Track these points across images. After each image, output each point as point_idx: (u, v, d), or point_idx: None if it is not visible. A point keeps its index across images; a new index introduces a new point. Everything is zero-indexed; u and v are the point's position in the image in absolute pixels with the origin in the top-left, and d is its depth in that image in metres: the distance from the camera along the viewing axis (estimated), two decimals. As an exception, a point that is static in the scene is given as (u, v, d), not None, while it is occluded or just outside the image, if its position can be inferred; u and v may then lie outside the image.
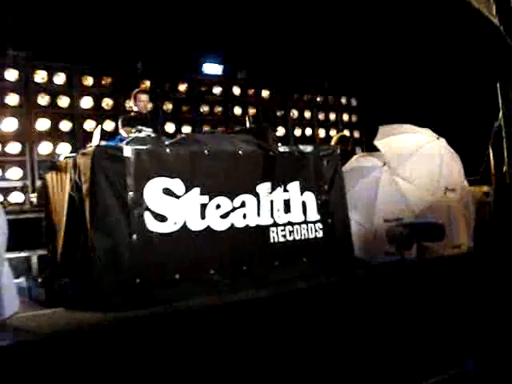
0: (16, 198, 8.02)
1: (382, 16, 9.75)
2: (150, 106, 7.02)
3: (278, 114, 11.05)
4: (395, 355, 4.75)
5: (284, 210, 6.04)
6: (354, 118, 12.32)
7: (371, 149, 8.08)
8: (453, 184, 7.52)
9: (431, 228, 6.73)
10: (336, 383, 4.55)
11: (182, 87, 9.92)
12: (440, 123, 8.38)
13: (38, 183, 7.82)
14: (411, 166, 7.39)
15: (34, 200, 7.95)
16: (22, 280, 6.23)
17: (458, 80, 9.99)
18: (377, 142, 7.77)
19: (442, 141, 7.82)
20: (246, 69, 10.66)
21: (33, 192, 8.04)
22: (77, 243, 5.21)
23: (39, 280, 6.03)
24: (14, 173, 8.09)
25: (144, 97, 7.19)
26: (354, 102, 12.34)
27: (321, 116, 11.70)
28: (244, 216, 5.73)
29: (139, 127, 6.44)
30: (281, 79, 10.99)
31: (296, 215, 6.12)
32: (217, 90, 10.35)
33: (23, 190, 8.06)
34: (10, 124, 8.13)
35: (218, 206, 5.57)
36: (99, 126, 6.96)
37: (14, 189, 8.01)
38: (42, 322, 4.71)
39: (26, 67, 8.40)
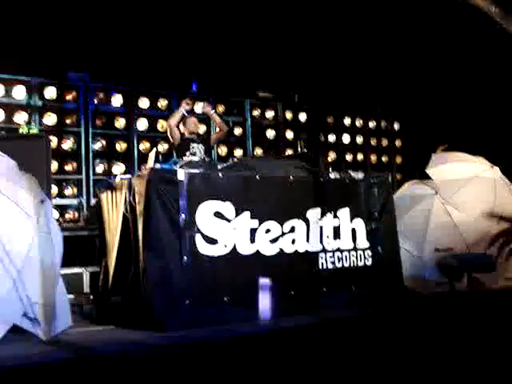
0: (71, 215, 8.22)
1: (433, 42, 9.71)
2: (199, 127, 7.07)
3: (330, 139, 11.04)
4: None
5: (333, 236, 6.04)
6: (406, 144, 12.19)
7: (424, 176, 8.01)
8: (507, 214, 7.39)
9: (482, 259, 6.64)
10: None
11: (235, 110, 10.03)
12: (494, 151, 8.27)
13: (93, 201, 8.01)
14: (464, 195, 7.30)
15: (88, 218, 8.14)
16: (73, 296, 6.37)
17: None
18: (429, 170, 7.72)
19: (496, 170, 7.71)
20: (299, 93, 10.72)
21: (87, 210, 8.23)
22: (129, 262, 5.32)
23: (91, 297, 6.17)
24: (70, 191, 8.30)
25: (194, 119, 7.15)
26: (407, 128, 12.22)
27: (373, 142, 11.62)
28: (293, 241, 5.75)
29: (193, 150, 6.55)
30: (333, 103, 11.00)
31: (345, 242, 6.11)
32: (269, 114, 10.43)
33: (78, 207, 8.26)
34: (68, 143, 8.37)
35: (268, 231, 5.61)
36: (154, 148, 7.10)
37: (70, 206, 8.21)
38: (92, 338, 4.82)
39: (84, 89, 8.64)
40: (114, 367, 3.91)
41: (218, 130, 7.06)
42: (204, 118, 8.62)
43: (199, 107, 6.99)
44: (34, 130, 7.15)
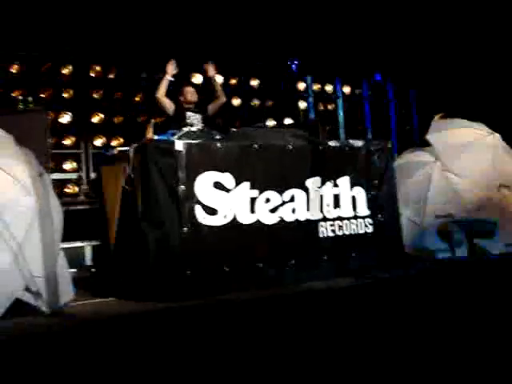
0: (70, 189, 8.21)
1: (440, 8, 9.58)
2: (195, 97, 7.01)
3: (330, 107, 10.96)
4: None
5: (333, 204, 6.04)
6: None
7: (423, 143, 7.98)
8: (507, 180, 7.37)
9: (483, 225, 6.63)
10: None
11: (233, 81, 9.95)
12: (495, 117, 8.22)
13: (92, 175, 8.00)
14: (464, 161, 7.28)
15: (88, 192, 8.13)
16: (75, 270, 6.40)
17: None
18: (429, 137, 7.68)
19: (497, 136, 7.67)
20: (298, 62, 10.63)
21: (87, 184, 8.22)
22: (129, 235, 5.33)
23: (92, 270, 6.20)
24: (69, 165, 8.27)
25: (190, 88, 7.12)
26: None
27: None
28: (293, 210, 5.75)
29: (189, 120, 6.51)
30: (332, 73, 10.90)
31: (346, 210, 6.11)
32: (268, 84, 10.33)
33: (78, 182, 8.24)
34: (66, 117, 8.32)
35: (268, 200, 5.61)
36: (152, 120, 7.07)
37: (69, 181, 8.20)
38: (94, 310, 4.85)
39: (81, 62, 8.57)
40: (116, 338, 3.93)
41: (217, 98, 6.97)
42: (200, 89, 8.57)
43: (209, 70, 6.97)
44: (31, 105, 7.11)
